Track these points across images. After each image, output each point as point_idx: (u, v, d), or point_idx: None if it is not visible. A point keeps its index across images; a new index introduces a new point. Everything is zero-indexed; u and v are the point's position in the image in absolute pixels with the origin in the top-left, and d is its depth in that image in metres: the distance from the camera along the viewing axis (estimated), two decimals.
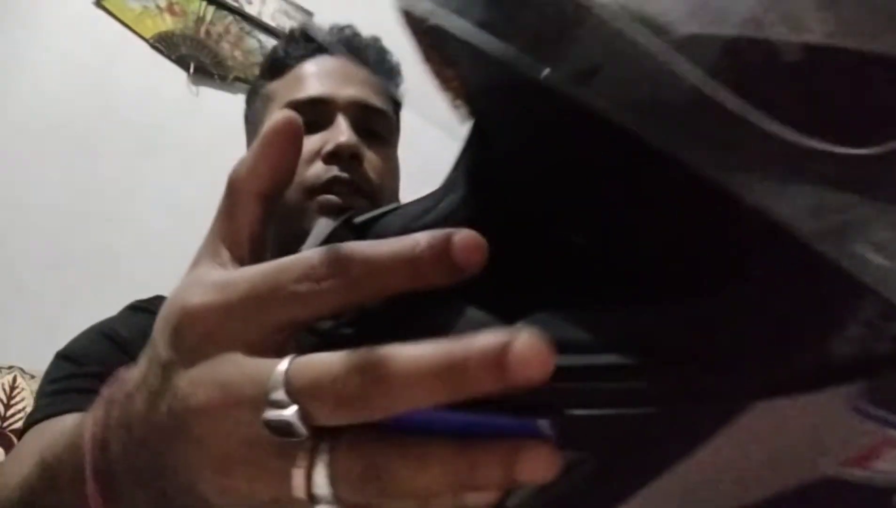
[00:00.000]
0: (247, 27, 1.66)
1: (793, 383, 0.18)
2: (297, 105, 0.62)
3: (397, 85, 0.71)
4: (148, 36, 1.52)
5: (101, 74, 1.44)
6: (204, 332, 0.18)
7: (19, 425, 1.13)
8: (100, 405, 0.22)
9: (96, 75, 1.43)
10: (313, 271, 0.17)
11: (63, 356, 0.57)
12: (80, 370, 0.55)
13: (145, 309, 0.62)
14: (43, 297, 1.25)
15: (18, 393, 1.15)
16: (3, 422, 1.12)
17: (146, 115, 1.47)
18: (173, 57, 1.54)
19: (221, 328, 0.18)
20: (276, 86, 0.67)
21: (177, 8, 1.57)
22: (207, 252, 0.21)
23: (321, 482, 0.16)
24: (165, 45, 1.53)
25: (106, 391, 0.22)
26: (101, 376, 0.54)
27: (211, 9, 1.61)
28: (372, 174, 0.62)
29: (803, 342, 0.18)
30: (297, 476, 0.16)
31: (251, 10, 1.67)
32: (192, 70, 1.54)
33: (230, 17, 1.63)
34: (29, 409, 1.13)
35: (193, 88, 1.55)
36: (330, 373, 0.16)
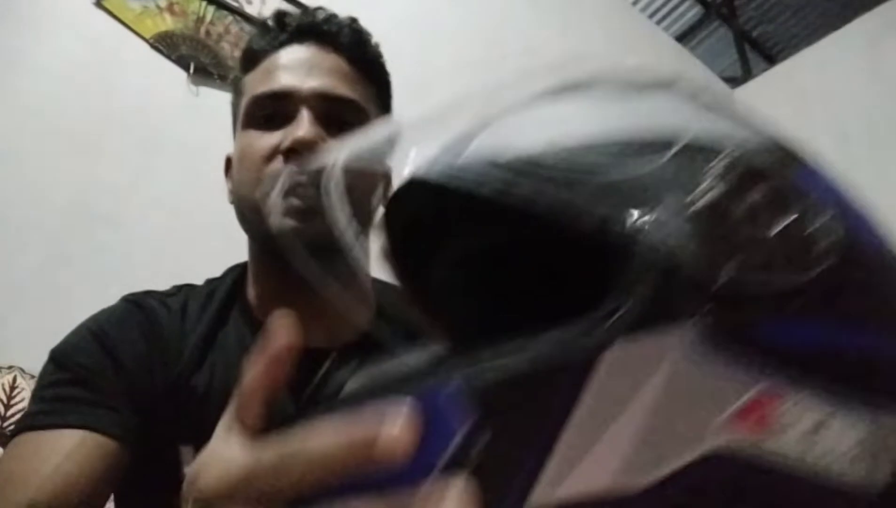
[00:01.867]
0: (247, 27, 1.65)
1: (626, 322, 0.21)
2: (260, 99, 0.61)
3: (375, 66, 0.68)
4: (148, 36, 1.52)
5: (101, 74, 1.44)
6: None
7: None
8: None
9: (96, 75, 1.43)
10: (274, 472, 0.22)
11: (54, 360, 0.57)
12: (67, 377, 0.55)
13: (137, 303, 0.61)
14: (43, 297, 1.25)
15: (18, 393, 1.15)
16: (3, 422, 1.12)
17: (146, 115, 1.47)
18: (173, 57, 1.54)
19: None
20: (248, 79, 0.65)
21: (177, 8, 1.57)
22: (225, 427, 0.26)
23: None
24: (165, 45, 1.53)
25: None
26: (87, 382, 0.55)
27: (211, 9, 1.61)
28: None
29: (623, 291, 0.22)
30: None
31: (251, 10, 1.67)
32: (192, 70, 1.54)
33: (230, 17, 1.63)
34: None
35: (193, 88, 1.54)
36: None
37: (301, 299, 0.48)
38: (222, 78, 1.58)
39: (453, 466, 0.21)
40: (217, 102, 1.59)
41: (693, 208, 0.23)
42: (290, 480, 0.22)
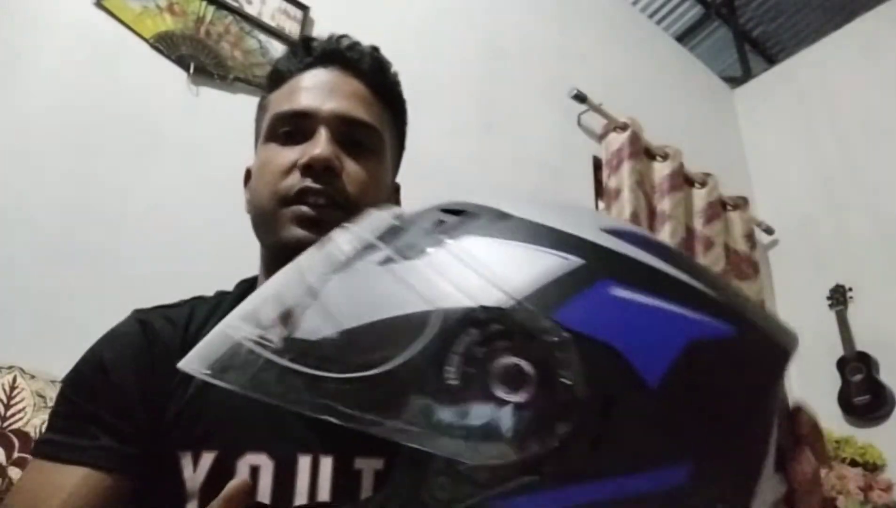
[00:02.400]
0: (247, 27, 1.65)
1: None
2: (282, 117, 0.65)
3: (394, 93, 0.72)
4: (148, 36, 1.52)
5: (101, 74, 1.44)
6: None
7: (19, 425, 1.13)
8: None
9: (96, 75, 1.43)
10: None
11: (62, 388, 0.61)
12: (77, 411, 0.58)
13: (143, 323, 0.62)
14: (43, 297, 1.25)
15: (18, 393, 1.15)
16: (3, 422, 1.12)
17: (146, 115, 1.47)
18: (173, 57, 1.54)
19: None
20: (272, 97, 0.69)
21: (177, 8, 1.57)
22: None
23: None
24: (165, 45, 1.53)
25: None
26: (90, 415, 0.57)
27: (211, 9, 1.61)
28: (350, 186, 0.62)
29: None
30: None
31: (251, 10, 1.67)
32: (192, 70, 1.54)
33: (230, 17, 1.63)
34: (29, 409, 1.13)
35: (193, 88, 1.54)
36: None
37: None
38: (222, 78, 1.58)
39: None
40: (217, 102, 1.59)
41: (442, 398, 0.24)
42: None
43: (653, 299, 0.27)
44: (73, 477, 0.54)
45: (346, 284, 0.28)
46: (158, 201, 1.42)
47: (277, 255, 0.62)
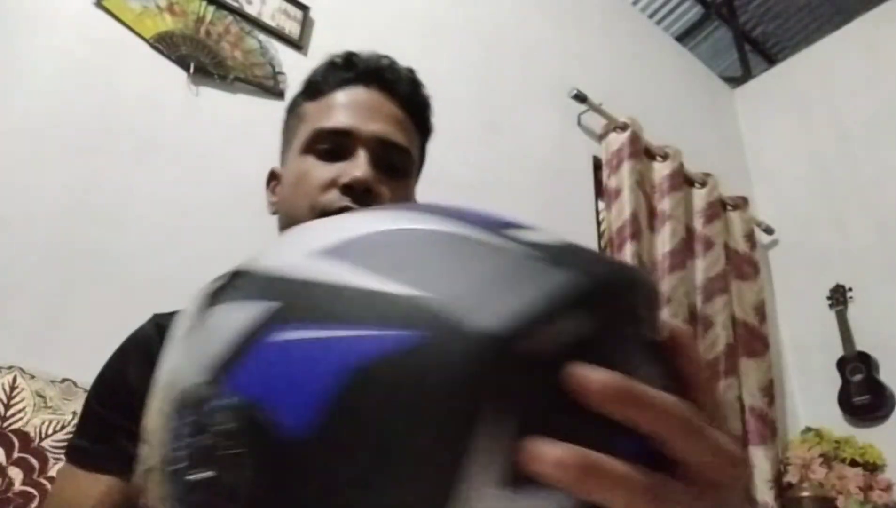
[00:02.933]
0: (247, 27, 1.65)
1: None
2: (323, 133, 0.67)
3: (425, 117, 0.75)
4: (148, 36, 1.52)
5: (101, 74, 1.44)
6: None
7: (19, 425, 1.13)
8: None
9: (96, 75, 1.43)
10: None
11: (90, 398, 0.65)
12: (102, 419, 0.62)
13: (162, 329, 0.65)
14: (43, 297, 1.25)
15: (18, 393, 1.15)
16: (3, 422, 1.12)
17: (146, 115, 1.47)
18: (173, 57, 1.54)
19: None
20: (309, 108, 0.71)
21: (177, 8, 1.57)
22: None
23: None
24: (165, 45, 1.53)
25: None
26: (120, 425, 0.60)
27: (211, 9, 1.61)
28: None
29: None
30: None
31: (251, 10, 1.67)
32: (192, 70, 1.54)
33: (230, 17, 1.63)
34: (29, 409, 1.13)
35: (193, 88, 1.54)
36: None
37: None
38: (222, 78, 1.58)
39: None
40: (217, 102, 1.59)
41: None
42: None
43: (316, 330, 0.24)
44: (101, 485, 0.59)
45: None
46: (158, 201, 1.42)
47: None
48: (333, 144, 0.66)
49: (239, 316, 0.26)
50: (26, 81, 1.36)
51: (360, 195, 0.63)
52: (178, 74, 1.53)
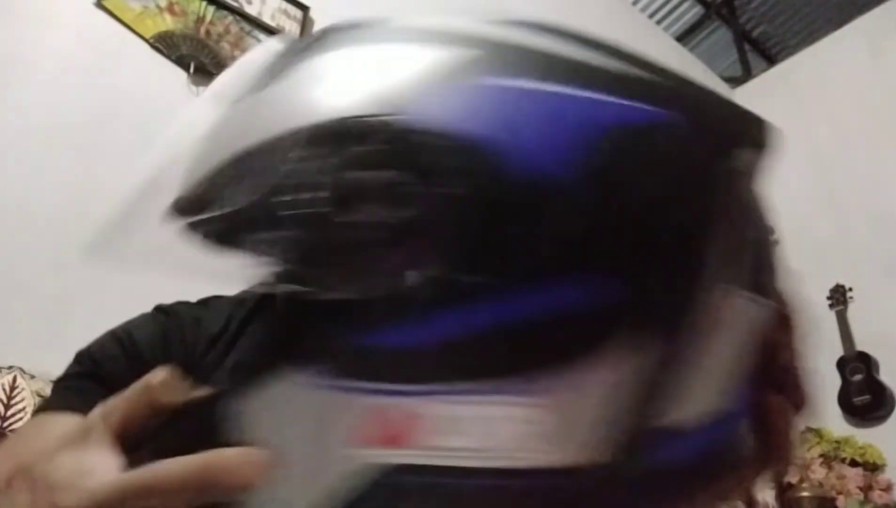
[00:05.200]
0: (247, 27, 1.65)
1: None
2: None
3: None
4: (148, 36, 1.52)
5: (101, 74, 1.44)
6: None
7: (19, 425, 1.13)
8: None
9: (96, 75, 1.43)
10: (114, 496, 0.20)
11: (77, 355, 0.60)
12: (83, 370, 0.57)
13: (165, 311, 0.62)
14: (43, 297, 1.25)
15: (18, 393, 1.15)
16: (3, 422, 1.12)
17: (146, 115, 1.47)
18: (173, 57, 1.54)
19: None
20: None
21: (177, 8, 1.57)
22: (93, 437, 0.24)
23: None
24: (165, 45, 1.53)
25: None
26: (102, 377, 0.56)
27: (211, 9, 1.61)
28: None
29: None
30: None
31: (251, 10, 1.67)
32: (192, 70, 1.54)
33: (230, 17, 1.63)
34: (29, 409, 1.13)
35: (193, 88, 1.54)
36: None
37: None
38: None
39: None
40: None
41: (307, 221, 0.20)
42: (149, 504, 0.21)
43: (556, 86, 0.22)
44: (70, 422, 0.50)
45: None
46: None
47: None
48: None
49: (413, 55, 0.23)
50: (26, 81, 1.36)
51: None
52: (178, 74, 1.53)
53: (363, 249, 0.21)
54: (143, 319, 0.62)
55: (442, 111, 0.22)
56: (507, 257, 0.21)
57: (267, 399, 0.21)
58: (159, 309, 0.63)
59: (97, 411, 0.25)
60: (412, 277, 0.20)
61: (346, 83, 0.23)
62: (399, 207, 0.20)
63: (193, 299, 0.68)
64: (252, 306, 0.65)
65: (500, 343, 0.21)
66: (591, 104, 0.22)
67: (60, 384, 0.57)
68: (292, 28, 1.72)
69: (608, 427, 0.21)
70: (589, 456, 0.21)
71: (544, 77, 0.23)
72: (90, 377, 0.56)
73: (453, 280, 0.20)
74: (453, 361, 0.21)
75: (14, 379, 1.15)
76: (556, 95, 0.22)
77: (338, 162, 0.21)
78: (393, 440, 0.20)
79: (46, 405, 0.54)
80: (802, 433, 2.33)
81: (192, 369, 0.60)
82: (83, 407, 0.50)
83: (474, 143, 0.21)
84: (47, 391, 1.16)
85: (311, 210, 0.20)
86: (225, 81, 0.29)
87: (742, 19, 3.28)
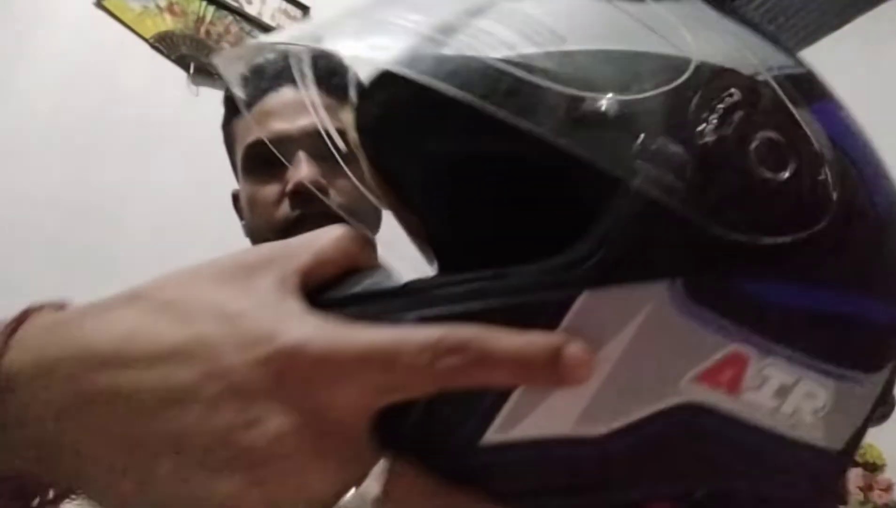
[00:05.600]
0: (247, 27, 1.66)
1: (611, 274, 0.21)
2: (255, 147, 0.65)
3: (343, 82, 0.70)
4: (148, 36, 1.52)
5: (101, 74, 1.44)
6: (315, 383, 0.18)
7: None
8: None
9: (96, 75, 1.43)
10: (439, 347, 0.18)
11: None
12: None
13: None
14: (43, 297, 1.25)
15: None
16: None
17: (146, 115, 1.47)
18: (173, 57, 1.54)
19: (328, 379, 0.18)
20: (237, 126, 0.69)
21: (177, 8, 1.57)
22: (287, 283, 0.20)
23: None
24: (165, 45, 1.53)
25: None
26: None
27: (211, 9, 1.61)
28: (343, 199, 0.62)
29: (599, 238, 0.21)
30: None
31: (251, 10, 1.67)
32: (192, 70, 1.54)
33: (230, 17, 1.63)
34: None
35: (193, 88, 1.54)
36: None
37: None
38: (222, 78, 1.58)
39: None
40: (217, 102, 1.59)
41: (693, 150, 0.21)
42: (457, 364, 0.18)
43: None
44: None
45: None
46: (158, 201, 1.42)
47: None
48: (268, 156, 0.63)
49: (769, 45, 0.26)
50: (26, 81, 1.36)
51: (309, 197, 0.60)
52: (178, 74, 1.53)
53: (771, 199, 0.21)
54: None
55: (819, 115, 0.24)
56: (854, 260, 0.23)
57: (615, 300, 0.21)
58: None
59: (278, 252, 0.21)
60: (802, 238, 0.22)
61: (737, 37, 0.24)
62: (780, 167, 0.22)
63: None
64: None
65: (846, 332, 0.24)
66: None
67: None
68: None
69: (861, 426, 0.25)
70: (839, 447, 0.25)
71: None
72: None
73: (825, 262, 0.23)
74: (800, 330, 0.22)
75: None
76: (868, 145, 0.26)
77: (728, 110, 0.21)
78: (727, 385, 0.22)
79: None
80: None
81: None
82: None
83: (840, 153, 0.23)
84: None
85: (702, 137, 0.21)
86: None
87: None
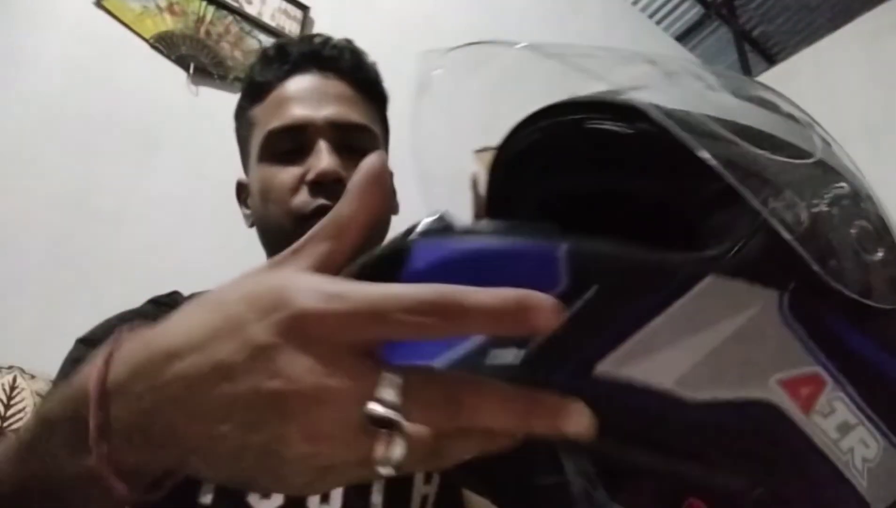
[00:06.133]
0: (247, 27, 1.66)
1: (735, 269, 0.25)
2: (276, 133, 0.63)
3: (376, 86, 0.70)
4: (148, 36, 1.52)
5: (101, 74, 1.44)
6: (319, 334, 0.21)
7: (19, 425, 1.13)
8: (102, 359, 0.24)
9: (96, 75, 1.43)
10: (421, 306, 0.21)
11: (80, 340, 0.60)
12: (89, 352, 0.56)
13: (165, 303, 0.63)
14: (43, 297, 1.25)
15: (18, 393, 1.15)
16: (3, 422, 1.12)
17: (146, 115, 1.47)
18: (173, 57, 1.54)
19: (335, 334, 0.21)
20: (257, 111, 0.67)
21: (177, 8, 1.57)
22: (308, 259, 0.25)
23: (391, 399, 0.20)
24: (165, 45, 1.53)
25: (107, 347, 0.25)
26: None
27: (211, 9, 1.61)
28: None
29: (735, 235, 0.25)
30: (379, 448, 0.20)
31: (251, 10, 1.67)
32: (192, 70, 1.54)
33: (230, 17, 1.63)
34: (29, 409, 1.13)
35: (193, 88, 1.55)
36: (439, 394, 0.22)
37: None
38: (222, 78, 1.58)
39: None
40: (217, 102, 1.59)
41: (817, 208, 0.26)
42: (436, 321, 0.21)
43: None
44: None
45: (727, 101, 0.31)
46: (158, 201, 1.42)
47: None
48: (291, 143, 0.62)
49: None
50: (26, 81, 1.36)
51: (331, 187, 0.60)
52: (178, 74, 1.53)
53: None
54: (143, 310, 0.63)
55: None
56: None
57: (735, 291, 0.25)
58: (157, 302, 0.64)
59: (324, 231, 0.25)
60: None
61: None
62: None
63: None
64: None
65: None
66: None
67: (70, 368, 0.57)
68: (292, 28, 1.72)
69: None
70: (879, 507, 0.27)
71: None
72: None
73: None
74: (868, 381, 0.26)
75: (14, 379, 1.15)
76: None
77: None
78: (803, 401, 0.25)
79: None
80: None
81: None
82: None
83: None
84: (47, 391, 1.16)
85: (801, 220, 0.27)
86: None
87: (742, 19, 3.29)
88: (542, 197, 0.35)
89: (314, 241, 0.25)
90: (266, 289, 0.23)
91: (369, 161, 0.26)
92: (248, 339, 0.21)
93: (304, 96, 0.64)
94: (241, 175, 0.73)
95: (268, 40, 1.67)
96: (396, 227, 0.35)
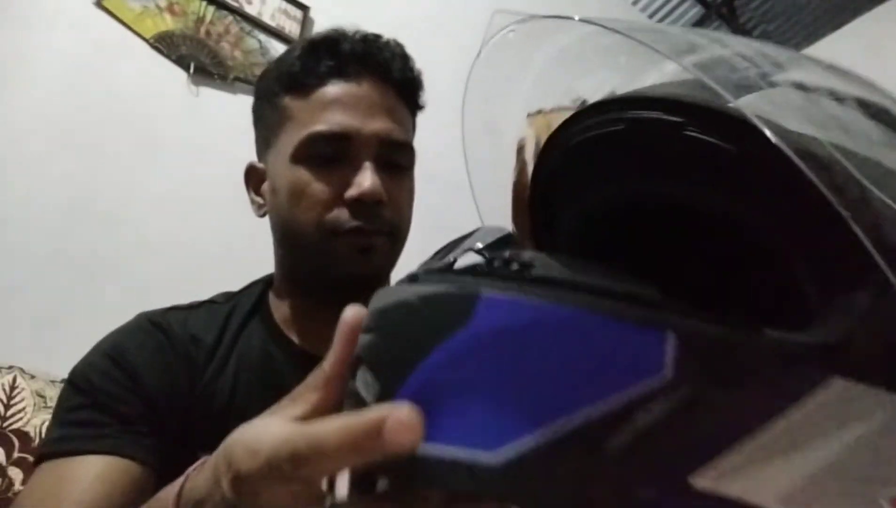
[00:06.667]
0: (247, 27, 1.66)
1: (860, 370, 0.20)
2: (318, 138, 0.59)
3: (418, 96, 0.67)
4: (148, 36, 1.52)
5: (101, 74, 1.44)
6: (251, 491, 0.27)
7: (19, 425, 1.13)
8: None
9: (96, 75, 1.43)
10: (279, 464, 0.25)
11: (73, 384, 0.57)
12: (90, 401, 0.55)
13: (158, 325, 0.61)
14: (43, 297, 1.25)
15: (18, 393, 1.15)
16: (3, 422, 1.12)
17: (146, 115, 1.47)
18: (173, 57, 1.54)
19: (262, 489, 0.27)
20: (296, 106, 0.62)
21: (177, 8, 1.57)
22: (303, 407, 0.29)
23: None
24: (165, 45, 1.53)
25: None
26: (108, 406, 0.54)
27: (211, 9, 1.61)
28: (393, 213, 0.60)
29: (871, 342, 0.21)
30: None
31: (251, 9, 1.67)
32: (192, 70, 1.54)
33: (230, 17, 1.63)
34: (29, 409, 1.13)
35: (193, 88, 1.55)
36: None
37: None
38: (222, 78, 1.58)
39: (636, 407, 0.20)
40: (217, 102, 1.59)
41: None
42: (309, 467, 0.24)
43: None
44: (93, 467, 0.50)
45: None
46: (158, 200, 1.42)
47: (326, 285, 0.60)
48: (332, 150, 0.59)
49: None
50: (26, 81, 1.36)
51: (370, 208, 0.57)
52: (178, 74, 1.53)
53: None
54: (134, 331, 0.61)
55: None
56: None
57: (860, 395, 0.21)
58: (150, 321, 0.61)
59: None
60: None
61: None
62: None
63: (184, 299, 0.67)
64: (241, 320, 0.63)
65: None
66: None
67: (71, 417, 0.55)
68: (292, 28, 1.72)
69: None
70: None
71: None
72: (100, 409, 0.54)
73: None
74: None
75: (14, 379, 1.15)
76: None
77: None
78: None
79: (68, 448, 0.52)
80: None
81: (196, 380, 0.59)
82: (105, 449, 0.52)
83: None
84: (47, 391, 1.16)
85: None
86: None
87: (742, 19, 3.28)
88: (605, 196, 0.30)
89: (308, 391, 0.29)
90: (235, 443, 0.29)
91: (350, 315, 0.27)
92: (223, 493, 0.29)
93: (353, 103, 0.60)
94: (242, 173, 0.69)
95: (268, 40, 1.67)
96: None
